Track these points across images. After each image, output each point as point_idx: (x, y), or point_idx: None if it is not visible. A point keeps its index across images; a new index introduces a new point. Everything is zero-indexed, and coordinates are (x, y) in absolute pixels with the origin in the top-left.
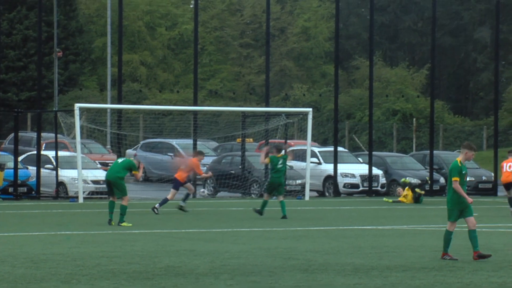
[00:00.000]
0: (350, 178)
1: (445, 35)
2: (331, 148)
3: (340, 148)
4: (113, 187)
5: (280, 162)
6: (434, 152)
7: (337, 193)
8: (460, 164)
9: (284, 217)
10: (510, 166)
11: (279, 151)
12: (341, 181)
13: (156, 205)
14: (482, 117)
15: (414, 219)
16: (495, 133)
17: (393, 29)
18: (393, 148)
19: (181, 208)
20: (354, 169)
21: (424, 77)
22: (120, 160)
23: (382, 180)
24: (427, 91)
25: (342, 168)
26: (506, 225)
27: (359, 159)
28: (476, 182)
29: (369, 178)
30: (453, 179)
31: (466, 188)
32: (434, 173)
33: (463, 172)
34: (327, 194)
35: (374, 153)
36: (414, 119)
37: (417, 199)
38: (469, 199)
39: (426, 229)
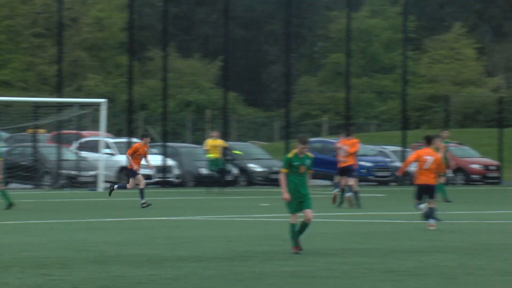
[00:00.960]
0: (144, 169)
1: (238, 27)
2: (126, 139)
3: (134, 139)
4: None
5: None
6: (228, 143)
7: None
8: (291, 156)
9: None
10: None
11: None
12: None
13: None
14: (274, 109)
15: (209, 210)
16: (287, 125)
17: (187, 20)
18: (187, 139)
19: None
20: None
21: (218, 68)
22: None
23: (176, 171)
24: (220, 82)
25: None
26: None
27: (154, 150)
28: (269, 173)
29: (164, 169)
30: (282, 170)
31: (306, 179)
32: (228, 164)
33: (295, 163)
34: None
35: (168, 144)
36: (208, 110)
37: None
38: (286, 195)
39: (220, 220)
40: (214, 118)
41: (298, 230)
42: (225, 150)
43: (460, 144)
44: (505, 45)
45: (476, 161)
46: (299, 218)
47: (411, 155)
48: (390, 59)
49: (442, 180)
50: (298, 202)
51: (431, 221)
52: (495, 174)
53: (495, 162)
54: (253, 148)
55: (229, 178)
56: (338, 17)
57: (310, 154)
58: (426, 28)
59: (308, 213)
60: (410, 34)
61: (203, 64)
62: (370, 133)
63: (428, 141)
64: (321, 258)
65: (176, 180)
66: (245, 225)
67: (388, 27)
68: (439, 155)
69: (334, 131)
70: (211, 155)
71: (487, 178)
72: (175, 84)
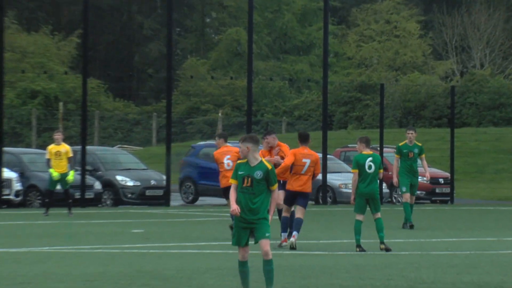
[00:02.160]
0: None
1: None
2: None
3: None
4: None
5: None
6: (88, 148)
7: None
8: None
9: None
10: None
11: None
12: None
13: None
14: (151, 102)
15: (61, 238)
16: (168, 123)
17: None
18: (32, 142)
19: None
20: None
21: (74, 47)
22: None
23: (17, 186)
24: (78, 66)
25: None
26: (179, 245)
27: None
28: (143, 188)
29: None
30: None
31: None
32: (87, 176)
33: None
34: None
35: (5, 149)
36: (61, 104)
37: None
38: (234, 207)
39: (76, 251)
40: (68, 114)
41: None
42: (70, 160)
43: None
44: (459, 18)
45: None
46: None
47: (288, 157)
48: (306, 36)
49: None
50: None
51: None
52: (445, 190)
53: (444, 174)
54: (122, 154)
55: (89, 195)
56: None
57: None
58: None
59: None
60: (333, 2)
61: (54, 41)
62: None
63: (304, 139)
64: None
65: (17, 199)
66: (111, 258)
67: None
68: (317, 155)
69: (233, 131)
70: (52, 170)
71: (434, 194)
72: (15, 68)
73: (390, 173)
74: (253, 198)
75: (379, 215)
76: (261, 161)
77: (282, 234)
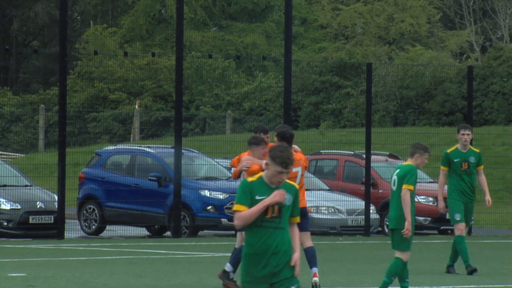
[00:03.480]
0: None
1: None
2: None
3: None
4: None
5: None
6: None
7: None
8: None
9: None
10: None
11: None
12: None
13: None
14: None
15: None
16: (61, 120)
17: None
18: None
19: None
20: None
21: None
22: None
23: None
24: None
25: None
26: None
27: None
28: (26, 214)
29: None
30: None
31: None
32: None
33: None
34: None
35: None
36: None
37: None
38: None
39: None
40: None
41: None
42: None
43: (393, 157)
44: None
45: (426, 190)
46: None
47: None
48: None
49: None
50: None
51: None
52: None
53: None
54: None
55: None
56: None
57: None
58: None
59: None
60: None
61: None
62: (222, 136)
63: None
64: None
65: None
66: None
67: None
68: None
69: (156, 130)
70: None
71: (443, 222)
72: None
73: (380, 191)
74: (282, 235)
75: None
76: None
77: None
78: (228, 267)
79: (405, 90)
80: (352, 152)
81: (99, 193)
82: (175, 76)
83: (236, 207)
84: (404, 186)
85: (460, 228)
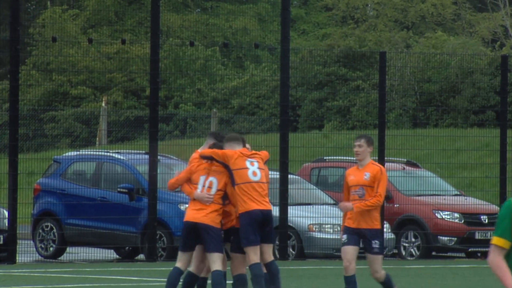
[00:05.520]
0: None
1: None
2: None
3: None
4: None
5: None
6: None
7: None
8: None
9: None
10: None
11: None
12: None
13: None
14: None
15: None
16: (13, 120)
17: None
18: None
19: None
20: None
21: None
22: None
23: None
24: None
25: None
26: None
27: None
28: None
29: None
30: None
31: None
32: None
33: None
34: None
35: None
36: None
37: None
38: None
39: None
40: None
41: None
42: None
43: (412, 165)
44: None
45: (451, 205)
46: None
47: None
48: None
49: None
50: None
51: None
52: (490, 235)
53: (490, 208)
54: None
55: None
56: None
57: None
58: None
59: None
60: None
61: None
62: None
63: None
64: None
65: None
66: None
67: None
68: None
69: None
70: None
71: (473, 242)
72: None
73: (396, 205)
74: None
75: None
76: None
77: None
78: None
79: (426, 84)
80: None
81: (58, 208)
82: (149, 68)
83: None
84: None
85: None
